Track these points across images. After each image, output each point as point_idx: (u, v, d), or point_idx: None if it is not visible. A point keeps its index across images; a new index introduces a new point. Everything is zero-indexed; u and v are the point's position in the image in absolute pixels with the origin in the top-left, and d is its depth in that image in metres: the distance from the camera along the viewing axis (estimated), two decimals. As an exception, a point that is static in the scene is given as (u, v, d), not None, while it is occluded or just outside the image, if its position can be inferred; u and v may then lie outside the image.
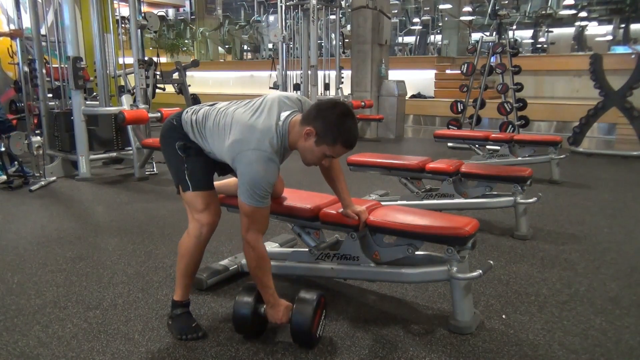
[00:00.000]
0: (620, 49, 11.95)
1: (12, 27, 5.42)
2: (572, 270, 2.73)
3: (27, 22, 5.43)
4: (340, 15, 8.51)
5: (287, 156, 1.98)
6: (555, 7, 16.74)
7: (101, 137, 5.42)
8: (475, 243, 2.09)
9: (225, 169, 2.18)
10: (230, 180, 2.39)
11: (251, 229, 1.85)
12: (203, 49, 17.48)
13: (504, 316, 2.21)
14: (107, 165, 5.71)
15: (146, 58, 5.62)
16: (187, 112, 2.05)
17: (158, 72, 6.58)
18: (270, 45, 16.83)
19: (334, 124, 1.78)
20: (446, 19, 15.81)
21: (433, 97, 10.30)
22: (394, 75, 8.65)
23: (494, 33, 7.05)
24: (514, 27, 14.75)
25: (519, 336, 2.04)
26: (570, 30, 16.04)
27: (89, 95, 6.05)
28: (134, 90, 5.54)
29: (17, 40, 5.18)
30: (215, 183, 2.34)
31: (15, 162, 4.77)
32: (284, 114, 1.88)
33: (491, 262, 2.19)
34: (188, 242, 2.03)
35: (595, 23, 17.09)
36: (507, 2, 16.75)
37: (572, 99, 9.29)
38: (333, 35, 8.60)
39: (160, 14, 7.11)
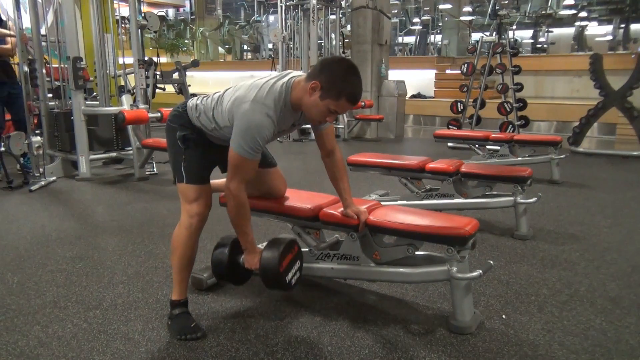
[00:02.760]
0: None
1: (12, 25, 5.40)
2: (572, 270, 2.73)
3: (27, 22, 5.42)
4: (340, 15, 8.50)
5: (289, 122, 1.96)
6: (555, 7, 16.74)
7: (101, 137, 5.41)
8: (475, 243, 2.09)
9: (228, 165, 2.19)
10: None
11: (235, 178, 1.89)
12: (203, 49, 17.48)
13: (504, 316, 2.21)
14: (107, 165, 5.71)
15: (146, 58, 5.62)
16: (192, 99, 2.10)
17: (158, 72, 6.59)
18: (270, 45, 16.83)
19: (340, 77, 1.80)
20: (446, 19, 15.81)
21: (433, 97, 10.31)
22: (394, 75, 8.65)
23: (494, 33, 7.05)
24: (514, 27, 14.75)
25: (519, 336, 2.04)
26: (570, 30, 16.02)
27: (89, 95, 6.05)
28: (134, 90, 5.55)
29: (18, 42, 5.16)
30: (216, 181, 2.35)
31: (22, 158, 4.78)
32: (289, 75, 1.93)
33: (491, 262, 2.20)
34: (179, 234, 2.06)
35: (595, 23, 17.08)
36: (507, 2, 16.75)
37: (572, 99, 9.29)
38: (333, 35, 8.59)
39: (160, 14, 7.10)
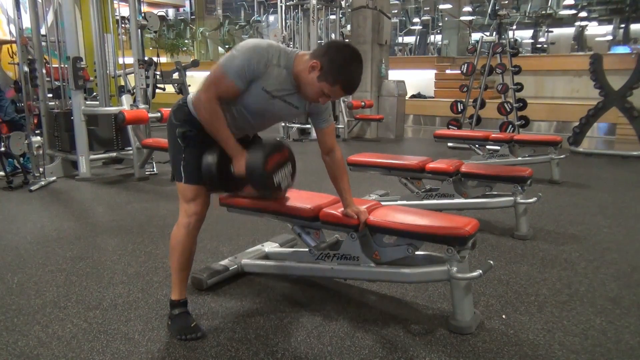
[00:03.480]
0: (620, 49, 11.95)
1: (12, 27, 5.40)
2: (572, 270, 2.73)
3: (27, 22, 5.42)
4: (340, 15, 8.51)
5: (283, 87, 1.89)
6: (555, 7, 16.74)
7: (101, 137, 5.42)
8: (475, 243, 2.09)
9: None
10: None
11: (208, 89, 1.86)
12: (203, 49, 17.48)
13: (504, 316, 2.21)
14: (107, 165, 5.71)
15: (146, 58, 5.62)
16: (194, 92, 2.07)
17: (158, 72, 6.58)
18: (270, 45, 16.79)
19: (340, 64, 1.80)
20: (446, 19, 15.82)
21: (433, 97, 10.31)
22: (394, 75, 8.65)
23: (494, 33, 7.05)
24: (514, 27, 14.76)
25: (519, 336, 2.04)
26: (570, 30, 16.04)
27: (89, 95, 6.05)
28: (134, 90, 5.55)
29: (18, 42, 5.17)
30: None
31: (15, 160, 4.78)
32: (295, 49, 1.93)
33: (491, 262, 2.19)
34: (178, 233, 2.06)
35: (595, 23, 17.09)
36: (507, 2, 16.74)
37: (572, 99, 9.29)
38: (333, 35, 8.60)
39: (160, 14, 7.09)
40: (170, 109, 2.11)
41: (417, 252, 2.13)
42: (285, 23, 8.10)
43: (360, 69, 1.84)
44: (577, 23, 16.21)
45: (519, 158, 5.01)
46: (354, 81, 1.84)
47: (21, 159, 4.71)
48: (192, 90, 8.28)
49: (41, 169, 4.94)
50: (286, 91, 1.91)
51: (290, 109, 1.98)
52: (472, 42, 12.04)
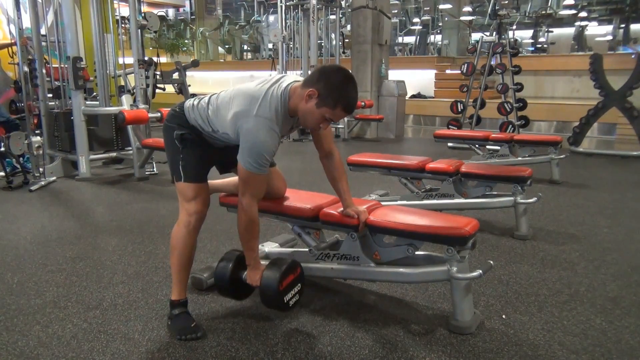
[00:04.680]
0: (627, 49, 11.95)
1: (12, 27, 5.41)
2: (572, 270, 2.73)
3: (27, 22, 5.43)
4: (340, 15, 8.51)
5: (287, 127, 1.98)
6: (555, 7, 16.73)
7: (101, 137, 5.42)
8: (475, 243, 2.09)
9: (226, 165, 2.19)
10: (230, 180, 2.39)
11: (246, 193, 1.91)
12: (203, 49, 17.47)
13: (504, 316, 2.21)
14: (107, 165, 5.71)
15: (146, 58, 5.62)
16: (190, 100, 2.11)
17: (158, 72, 6.59)
18: (270, 45, 16.82)
19: (336, 87, 1.82)
20: (446, 19, 15.81)
21: (433, 97, 10.30)
22: (394, 75, 8.65)
23: (494, 33, 7.05)
24: (514, 27, 14.75)
25: (519, 336, 2.04)
26: (570, 30, 16.02)
27: (89, 95, 6.05)
28: (134, 90, 5.54)
29: (18, 42, 5.17)
30: (216, 181, 2.35)
31: (14, 160, 4.78)
32: (285, 82, 1.93)
33: (491, 262, 2.19)
34: (178, 233, 2.07)
35: (595, 23, 17.08)
36: (507, 2, 16.74)
37: (572, 99, 9.29)
38: (333, 35, 8.60)
39: (160, 14, 7.11)
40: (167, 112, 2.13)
41: (417, 252, 2.13)
42: (285, 23, 8.09)
43: (355, 88, 1.88)
44: (577, 23, 16.19)
45: (519, 158, 5.01)
46: (353, 101, 1.87)
47: (21, 159, 4.71)
48: (192, 90, 8.25)
49: (41, 169, 4.94)
50: (289, 125, 1.98)
51: (292, 130, 2.11)
52: (472, 42, 12.05)
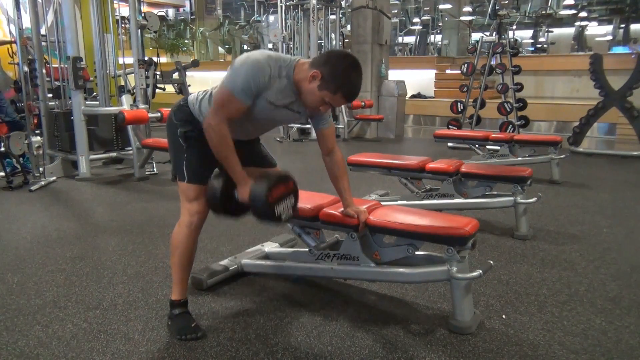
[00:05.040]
0: (620, 49, 11.95)
1: (12, 27, 5.41)
2: (572, 270, 2.73)
3: (27, 22, 5.43)
4: (340, 15, 8.51)
5: (285, 97, 1.91)
6: (555, 7, 16.74)
7: (101, 137, 5.42)
8: (475, 243, 2.09)
9: None
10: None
11: (217, 113, 1.86)
12: (203, 49, 17.47)
13: (504, 316, 2.21)
14: (107, 165, 5.71)
15: (146, 58, 5.62)
16: (194, 93, 2.10)
17: (158, 72, 6.58)
18: (270, 45, 16.82)
19: (340, 73, 1.81)
20: (446, 19, 15.81)
21: (433, 97, 10.30)
22: (394, 75, 8.65)
23: (494, 33, 7.05)
24: (514, 27, 14.76)
25: (519, 336, 2.04)
26: (570, 30, 16.04)
27: (89, 95, 6.05)
28: (134, 90, 5.55)
29: (18, 42, 5.17)
30: None
31: (14, 160, 4.78)
32: (295, 56, 1.94)
33: (491, 262, 2.19)
34: (179, 233, 2.06)
35: (595, 23, 17.09)
36: (507, 2, 16.75)
37: (572, 99, 9.29)
38: (333, 35, 8.60)
39: (160, 14, 7.10)
40: (170, 109, 2.11)
41: (417, 252, 2.13)
42: (285, 23, 8.10)
43: (360, 77, 1.87)
44: (577, 23, 16.20)
45: (519, 158, 5.01)
46: (355, 89, 1.86)
47: (21, 159, 4.71)
48: (192, 90, 8.26)
49: (41, 169, 4.94)
50: (288, 99, 1.93)
51: (293, 115, 2.01)
52: (472, 42, 12.05)
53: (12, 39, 5.16)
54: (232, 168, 1.93)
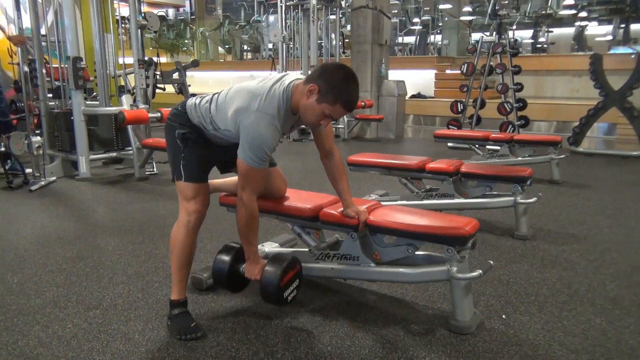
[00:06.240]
0: (620, 50, 11.94)
1: (13, 27, 5.41)
2: (572, 270, 2.73)
3: (27, 22, 5.43)
4: (340, 15, 8.51)
5: (288, 125, 1.99)
6: (555, 7, 16.73)
7: (101, 137, 5.42)
8: (475, 243, 2.09)
9: (227, 165, 2.19)
10: (231, 179, 2.40)
11: (247, 188, 1.92)
12: (203, 49, 17.47)
13: (504, 316, 2.21)
14: (107, 165, 5.71)
15: (146, 58, 5.62)
16: (192, 99, 2.12)
17: (158, 72, 6.59)
18: (270, 45, 16.82)
19: (337, 84, 1.83)
20: (446, 19, 15.80)
21: (433, 97, 10.30)
22: (394, 75, 8.64)
23: (494, 33, 7.05)
24: (514, 27, 14.74)
25: (519, 336, 2.04)
26: (570, 30, 16.02)
27: (89, 95, 6.05)
28: (134, 90, 5.55)
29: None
30: (216, 181, 2.35)
31: (9, 161, 4.78)
32: (288, 80, 1.94)
33: (491, 262, 2.20)
34: (178, 232, 2.07)
35: (595, 23, 17.07)
36: (507, 2, 16.74)
37: (572, 99, 9.29)
38: (333, 35, 8.60)
39: (160, 14, 7.11)
40: (169, 111, 2.13)
41: (417, 252, 2.13)
42: (285, 23, 8.09)
43: (357, 86, 1.90)
44: (577, 23, 16.19)
45: (519, 158, 5.00)
46: (353, 98, 1.88)
47: (8, 161, 4.71)
48: (192, 90, 8.25)
49: (41, 169, 4.93)
50: (290, 122, 1.98)
51: (293, 129, 2.11)
52: (472, 42, 12.03)
53: (11, 37, 5.15)
54: (249, 247, 2.03)
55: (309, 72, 2.01)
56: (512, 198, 3.26)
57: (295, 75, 1.99)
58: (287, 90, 1.89)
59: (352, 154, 3.73)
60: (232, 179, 2.39)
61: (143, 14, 5.56)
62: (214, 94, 2.06)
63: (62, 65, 5.35)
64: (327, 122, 1.93)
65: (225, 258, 2.12)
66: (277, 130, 1.87)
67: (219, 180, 2.39)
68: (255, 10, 20.39)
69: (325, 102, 1.83)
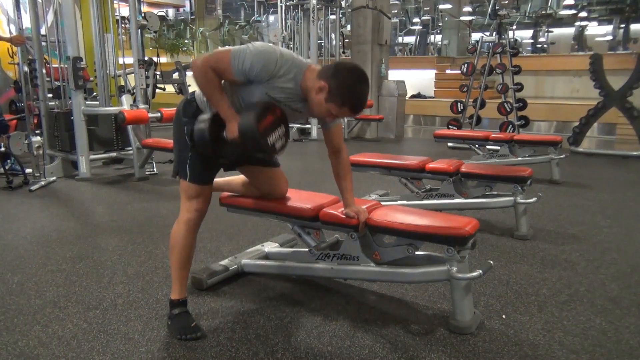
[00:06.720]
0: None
1: (12, 27, 5.41)
2: (572, 270, 2.73)
3: (27, 22, 5.43)
4: (340, 15, 8.51)
5: (291, 98, 1.92)
6: (555, 7, 16.74)
7: (101, 137, 5.42)
8: (475, 243, 2.09)
9: (232, 165, 2.18)
10: (234, 178, 2.40)
11: (209, 61, 1.84)
12: (203, 49, 17.47)
13: (504, 316, 2.21)
14: (107, 165, 5.71)
15: (146, 58, 5.62)
16: None
17: (158, 72, 6.58)
18: (270, 45, 16.81)
19: (347, 87, 1.82)
20: (446, 19, 15.81)
21: (433, 97, 10.31)
22: (394, 75, 8.65)
23: (494, 33, 7.05)
24: (514, 27, 14.75)
25: (519, 336, 2.04)
26: (570, 30, 16.03)
27: (89, 95, 6.05)
28: (134, 90, 5.54)
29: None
30: (219, 180, 2.35)
31: (8, 161, 4.78)
32: (307, 60, 1.95)
33: (491, 262, 2.19)
34: (178, 231, 2.07)
35: (595, 23, 17.09)
36: (507, 2, 16.75)
37: (572, 99, 9.30)
38: (333, 35, 8.60)
39: (160, 14, 7.10)
40: (173, 109, 2.10)
41: (417, 252, 2.13)
42: (285, 23, 8.10)
43: (367, 90, 1.88)
44: (577, 23, 16.20)
45: (519, 158, 5.01)
46: (361, 103, 1.87)
47: (8, 161, 4.71)
48: (192, 89, 8.23)
49: (41, 169, 4.93)
50: (291, 99, 1.94)
51: (294, 113, 2.02)
52: (472, 42, 12.04)
53: (12, 38, 5.15)
54: (219, 104, 1.89)
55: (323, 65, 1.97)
56: (512, 198, 3.26)
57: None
58: (304, 64, 1.90)
59: (352, 154, 3.71)
60: (236, 178, 2.40)
61: (143, 14, 5.56)
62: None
63: (62, 65, 5.35)
64: (332, 118, 1.94)
65: (202, 123, 1.90)
66: (275, 66, 1.81)
67: (222, 179, 2.39)
68: (255, 10, 20.39)
69: (333, 102, 1.83)
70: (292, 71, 1.86)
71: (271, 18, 19.54)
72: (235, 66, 1.82)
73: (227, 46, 1.99)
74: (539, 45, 15.21)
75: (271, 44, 1.89)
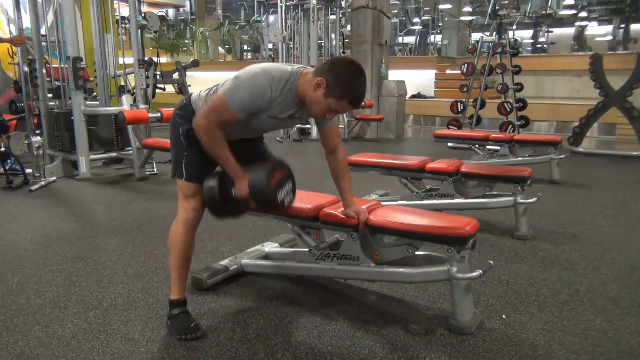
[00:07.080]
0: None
1: (12, 27, 5.41)
2: (572, 270, 2.73)
3: (27, 22, 5.43)
4: (340, 15, 8.50)
5: (286, 108, 1.93)
6: (555, 7, 16.73)
7: (101, 137, 5.41)
8: (475, 243, 2.09)
9: None
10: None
11: (208, 115, 1.86)
12: (203, 49, 17.48)
13: (504, 316, 2.21)
14: (107, 165, 5.71)
15: (146, 58, 5.62)
16: (197, 91, 2.11)
17: (158, 72, 6.59)
18: (270, 45, 16.83)
19: (345, 79, 1.83)
20: (446, 19, 15.81)
21: (433, 97, 10.30)
22: (394, 75, 8.65)
23: (494, 33, 7.05)
24: (514, 27, 14.75)
25: (519, 336, 2.04)
26: (570, 30, 16.03)
27: (89, 95, 6.05)
28: (134, 90, 5.54)
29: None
30: None
31: (8, 161, 4.78)
32: (298, 66, 1.95)
33: (491, 262, 2.19)
34: (176, 230, 2.09)
35: (595, 23, 17.09)
36: (507, 2, 16.74)
37: (572, 99, 9.29)
38: (333, 35, 8.59)
39: (160, 14, 7.11)
40: (173, 108, 2.12)
41: (417, 252, 2.13)
42: (285, 23, 8.09)
43: (364, 83, 1.89)
44: (577, 23, 16.20)
45: (519, 158, 5.00)
46: (360, 94, 1.88)
47: (9, 161, 4.71)
48: (193, 90, 8.28)
49: (41, 169, 4.93)
50: (292, 110, 1.95)
51: (295, 121, 2.06)
52: (472, 42, 12.03)
53: (12, 38, 5.16)
54: (226, 163, 1.93)
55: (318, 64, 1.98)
56: (512, 198, 3.26)
57: (306, 67, 1.99)
58: (295, 72, 1.90)
59: (352, 154, 3.73)
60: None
61: (143, 14, 5.56)
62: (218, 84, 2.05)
63: (62, 65, 5.35)
64: (332, 115, 1.94)
65: (212, 181, 1.96)
66: (270, 94, 1.84)
67: None
68: (255, 10, 20.40)
69: (332, 96, 1.83)
70: (286, 86, 1.88)
71: (271, 18, 19.55)
72: (235, 107, 1.84)
73: (215, 90, 2.01)
74: (539, 45, 15.21)
75: (255, 68, 1.87)
